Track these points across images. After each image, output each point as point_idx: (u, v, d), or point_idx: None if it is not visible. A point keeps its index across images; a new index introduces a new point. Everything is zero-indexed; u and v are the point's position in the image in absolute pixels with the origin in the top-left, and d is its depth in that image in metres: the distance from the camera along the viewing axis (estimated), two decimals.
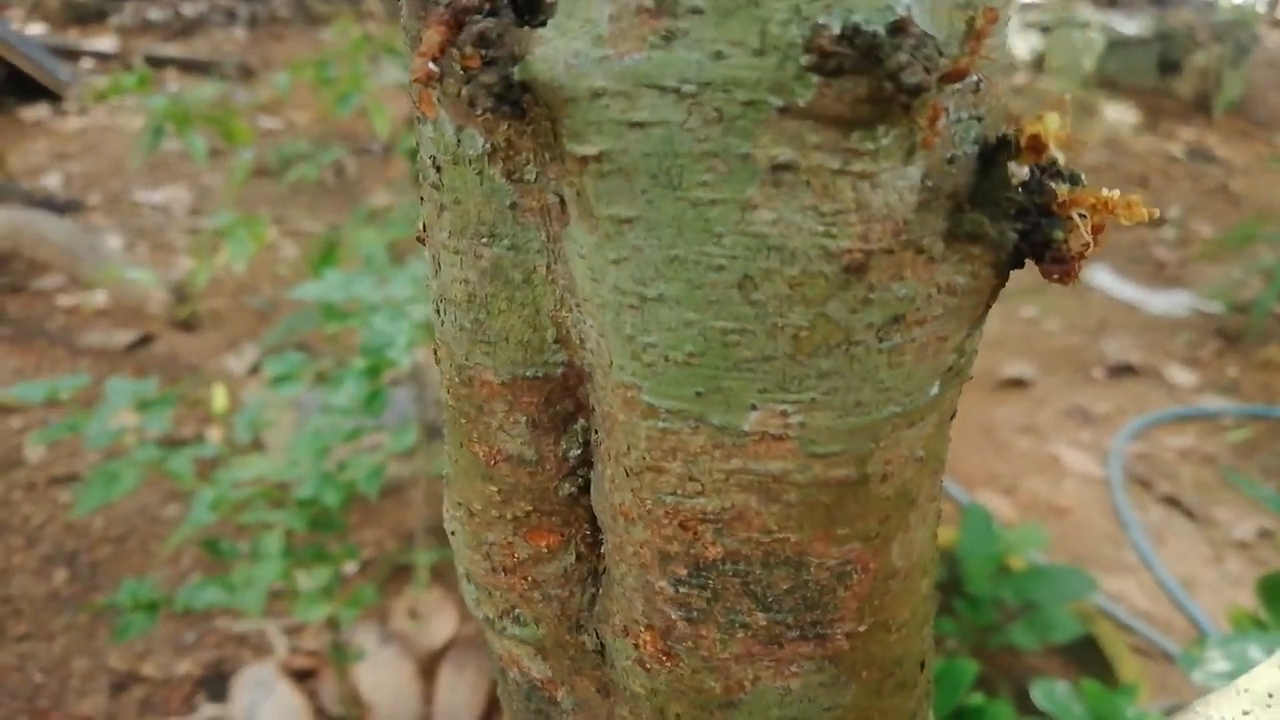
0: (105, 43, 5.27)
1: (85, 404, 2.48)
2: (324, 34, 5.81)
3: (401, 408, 1.92)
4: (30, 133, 4.21)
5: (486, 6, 0.30)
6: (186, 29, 5.72)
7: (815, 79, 0.27)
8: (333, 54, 2.47)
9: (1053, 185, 0.31)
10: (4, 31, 4.58)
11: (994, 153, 0.31)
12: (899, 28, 0.26)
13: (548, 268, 0.36)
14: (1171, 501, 2.51)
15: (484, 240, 0.37)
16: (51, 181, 3.68)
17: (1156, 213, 0.31)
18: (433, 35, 0.30)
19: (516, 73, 0.29)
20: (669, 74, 0.28)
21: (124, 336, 2.70)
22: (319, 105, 4.74)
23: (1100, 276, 3.80)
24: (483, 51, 0.29)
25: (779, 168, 0.28)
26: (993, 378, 2.99)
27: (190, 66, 5.01)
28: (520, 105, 0.30)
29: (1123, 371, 3.11)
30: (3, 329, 2.74)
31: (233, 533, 1.85)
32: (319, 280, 1.23)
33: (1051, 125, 0.30)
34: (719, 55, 0.27)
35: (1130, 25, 6.24)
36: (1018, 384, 2.97)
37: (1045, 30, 6.28)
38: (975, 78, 0.30)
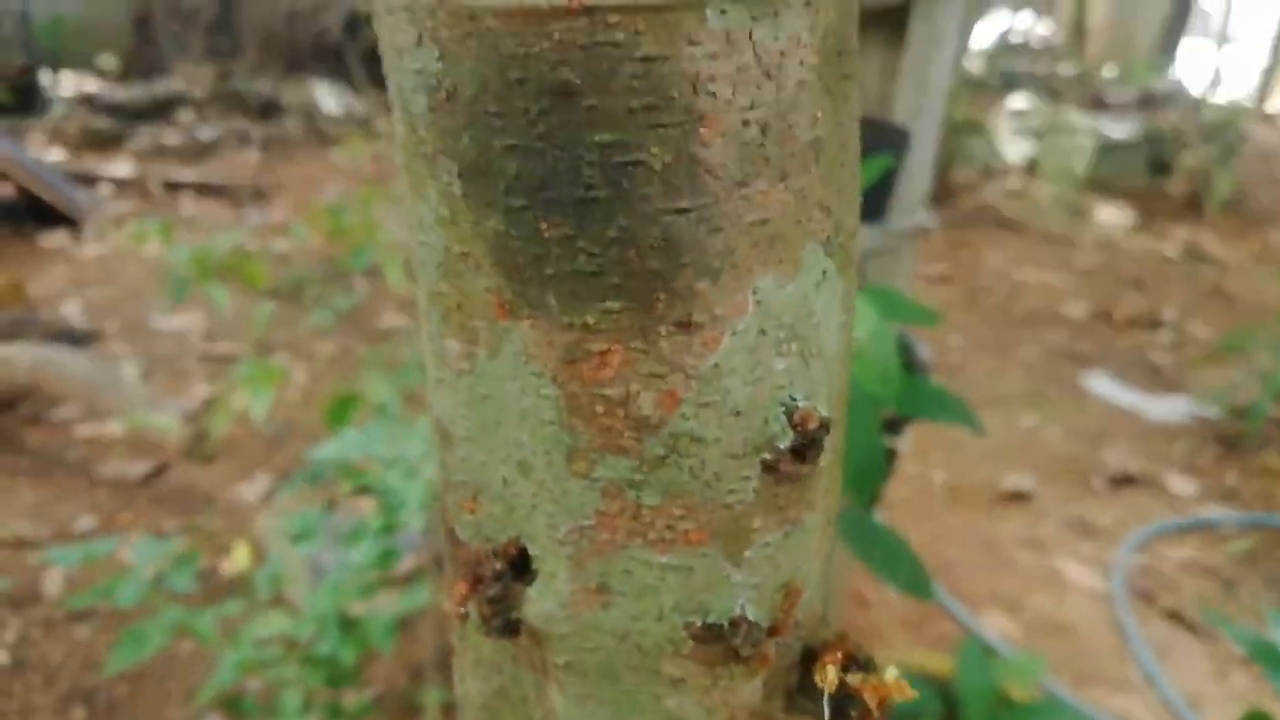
0: (123, 168, 5.44)
1: (105, 536, 2.54)
2: (334, 155, 6.00)
3: (412, 536, 1.97)
4: (50, 259, 4.33)
5: (494, 570, 0.44)
6: (202, 152, 5.91)
7: (692, 641, 0.45)
8: (345, 201, 2.57)
9: (849, 678, 0.47)
10: (24, 159, 4.75)
11: (810, 659, 0.49)
12: (735, 623, 0.45)
13: (536, 693, 0.51)
14: (1174, 616, 2.53)
15: (494, 670, 0.53)
16: (70, 309, 3.78)
17: (915, 695, 0.48)
18: (460, 589, 0.45)
19: (514, 614, 0.45)
20: (606, 625, 0.45)
21: (140, 467, 2.76)
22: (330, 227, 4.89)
23: (1098, 383, 3.86)
24: (493, 606, 0.45)
25: (676, 680, 0.46)
26: (993, 490, 3.03)
27: (206, 190, 5.17)
28: (518, 629, 0.46)
29: (1123, 481, 3.15)
30: (22, 461, 2.81)
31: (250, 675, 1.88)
32: (336, 439, 1.29)
33: (829, 674, 0.47)
34: (635, 619, 0.44)
35: (1119, 129, 6.41)
36: (1018, 497, 3.01)
37: (1037, 136, 6.46)
38: (796, 619, 0.48)
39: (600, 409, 0.40)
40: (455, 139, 0.38)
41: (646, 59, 0.35)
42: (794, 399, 0.42)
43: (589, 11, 0.34)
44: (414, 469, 1.25)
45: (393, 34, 0.39)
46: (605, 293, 0.38)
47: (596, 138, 0.36)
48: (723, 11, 0.35)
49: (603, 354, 0.39)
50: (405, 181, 0.43)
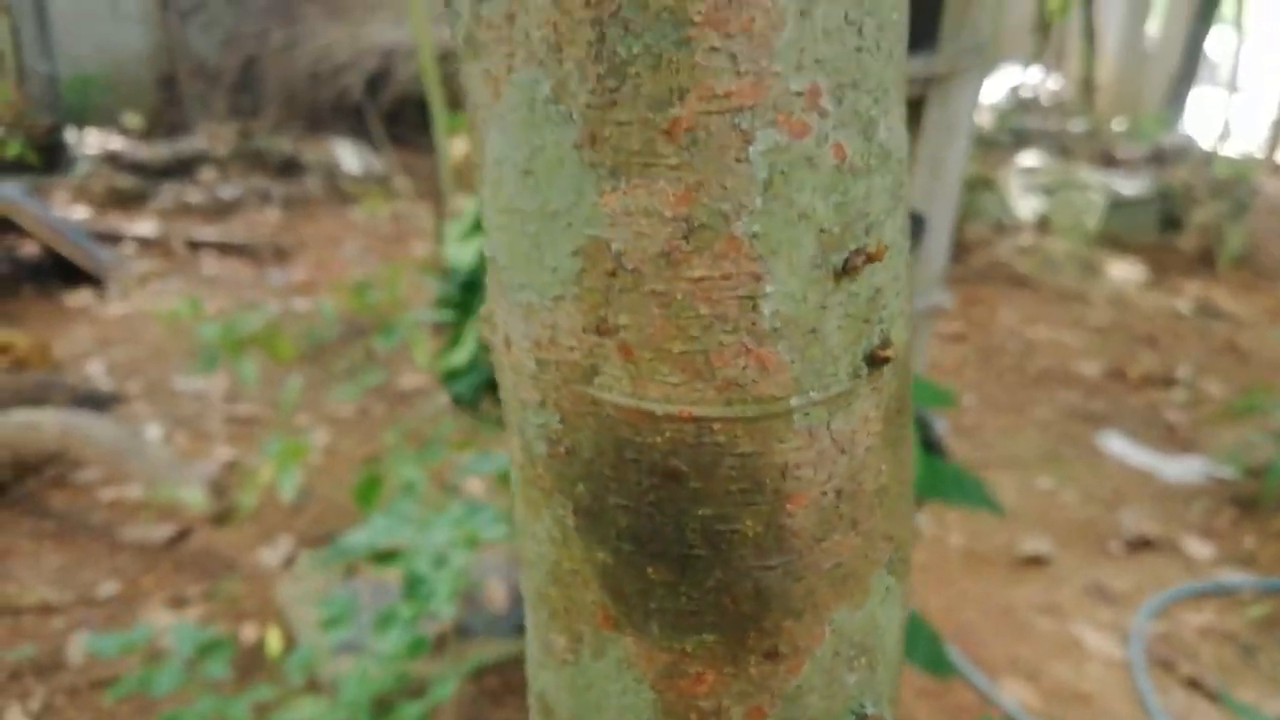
0: (146, 226, 5.53)
1: (127, 602, 2.56)
2: (354, 213, 6.08)
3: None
4: (74, 319, 4.40)
5: None
6: (224, 210, 6.00)
7: None
8: (373, 277, 2.62)
9: None
10: (50, 218, 4.84)
11: None
12: None
13: None
14: (1194, 684, 2.52)
15: None
16: (94, 369, 3.84)
17: None
18: None
19: None
20: None
21: (163, 531, 2.79)
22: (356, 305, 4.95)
23: (1114, 443, 3.86)
24: None
25: None
26: (1011, 555, 3.03)
27: (228, 249, 5.25)
28: None
29: (1140, 545, 3.15)
30: (47, 524, 2.84)
31: None
32: (365, 526, 1.32)
33: None
34: None
35: (1130, 185, 6.46)
36: (1036, 561, 3.01)
37: (1048, 192, 6.51)
38: None
39: (694, 716, 0.45)
40: (571, 485, 0.44)
41: (743, 454, 0.41)
42: (864, 706, 0.47)
43: (697, 419, 0.41)
44: (442, 556, 1.27)
45: (517, 388, 0.45)
46: (702, 628, 0.44)
47: (699, 511, 0.42)
48: (806, 414, 0.41)
49: (698, 674, 0.44)
50: (519, 497, 0.48)
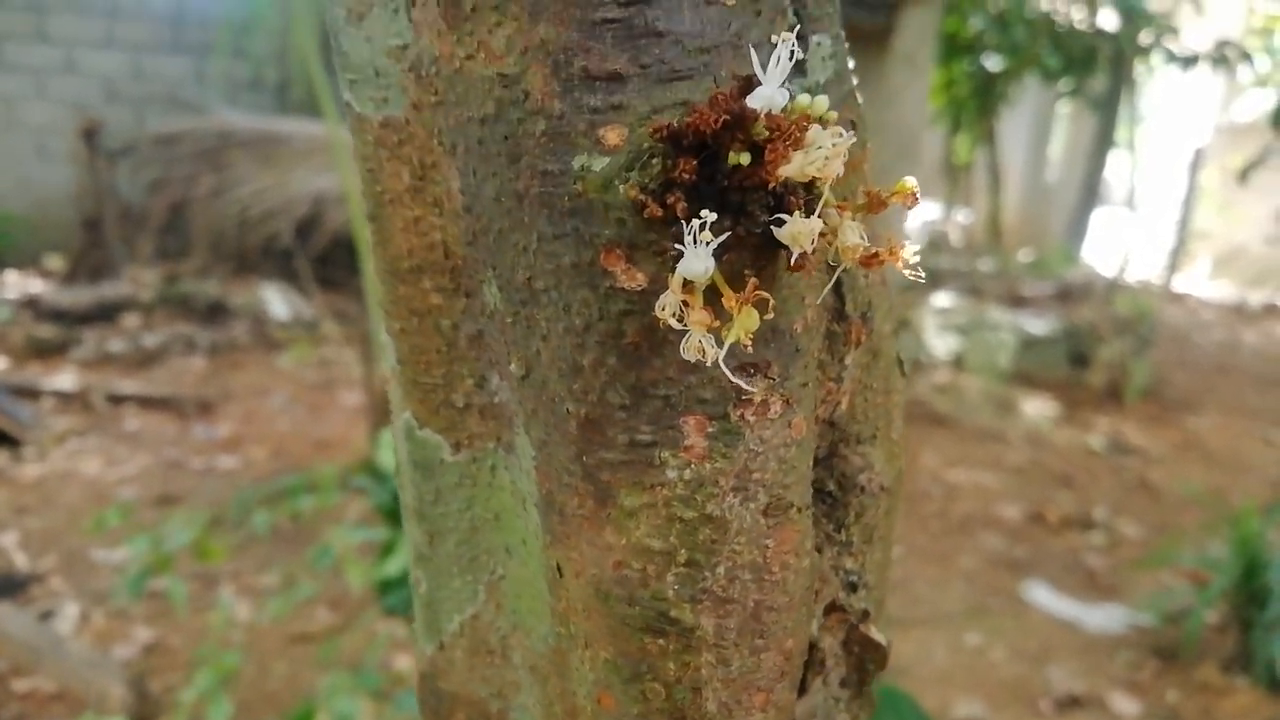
0: (66, 380, 5.43)
1: None
2: (282, 361, 6.06)
3: None
4: None
5: None
6: (147, 359, 5.92)
7: None
8: (303, 479, 2.61)
9: None
10: None
11: None
12: None
13: None
14: None
15: None
16: (8, 540, 3.72)
17: None
18: None
19: None
20: None
21: None
22: (276, 440, 4.90)
23: (1037, 593, 3.94)
24: None
25: None
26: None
27: (150, 403, 5.17)
28: None
29: (1069, 704, 3.20)
30: None
31: None
32: None
33: None
34: None
35: (1039, 325, 6.73)
36: None
37: (962, 332, 6.75)
38: None
39: None
40: None
41: None
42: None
43: None
44: None
45: None
46: None
47: None
48: None
49: None
50: None
